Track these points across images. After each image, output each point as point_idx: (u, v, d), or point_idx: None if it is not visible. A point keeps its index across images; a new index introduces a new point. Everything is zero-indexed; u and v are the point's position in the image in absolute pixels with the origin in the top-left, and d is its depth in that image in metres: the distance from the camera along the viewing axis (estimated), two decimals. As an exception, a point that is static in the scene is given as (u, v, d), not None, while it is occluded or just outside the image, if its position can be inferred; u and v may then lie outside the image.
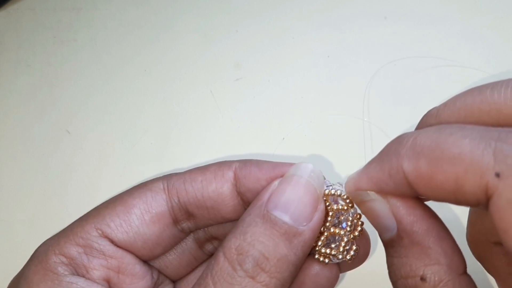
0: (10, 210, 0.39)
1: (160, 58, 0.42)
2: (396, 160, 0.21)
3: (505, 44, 0.40)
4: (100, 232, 0.26)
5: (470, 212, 0.26)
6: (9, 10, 0.45)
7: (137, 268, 0.27)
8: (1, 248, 0.37)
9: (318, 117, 0.39)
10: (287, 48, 0.42)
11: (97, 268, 0.26)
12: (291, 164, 0.26)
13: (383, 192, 0.23)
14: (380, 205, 0.23)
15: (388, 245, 0.23)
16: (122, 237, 0.26)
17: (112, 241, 0.26)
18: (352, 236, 0.26)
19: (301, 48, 0.42)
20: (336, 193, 0.25)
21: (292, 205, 0.24)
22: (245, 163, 0.27)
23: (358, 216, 0.26)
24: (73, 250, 0.26)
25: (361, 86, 0.40)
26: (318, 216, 0.25)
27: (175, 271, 0.30)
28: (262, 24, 0.43)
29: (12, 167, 0.40)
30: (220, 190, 0.27)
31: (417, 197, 0.23)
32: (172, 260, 0.29)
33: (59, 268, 0.25)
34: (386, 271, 0.23)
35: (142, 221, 0.26)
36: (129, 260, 0.27)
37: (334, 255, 0.26)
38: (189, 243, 0.30)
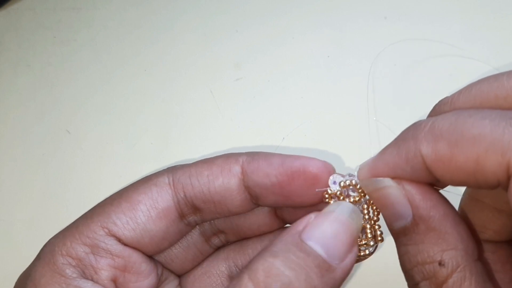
0: (10, 210, 0.39)
1: (160, 58, 0.42)
2: (414, 144, 0.21)
3: (505, 44, 0.40)
4: (106, 230, 0.25)
5: (462, 200, 0.26)
6: (9, 10, 0.45)
7: (143, 266, 0.27)
8: (1, 248, 0.37)
9: (318, 117, 0.39)
10: (287, 48, 0.42)
11: (105, 268, 0.25)
12: (300, 157, 0.26)
13: (399, 178, 0.22)
14: (395, 192, 0.22)
15: (401, 233, 0.22)
16: (129, 234, 0.26)
17: (119, 239, 0.26)
18: (373, 221, 0.25)
19: (301, 48, 0.42)
20: (351, 183, 0.25)
21: (328, 239, 0.23)
22: (253, 156, 0.26)
23: (371, 202, 0.25)
24: (80, 251, 0.25)
25: (361, 86, 0.40)
26: (351, 257, 0.24)
27: (180, 265, 0.29)
28: (262, 24, 0.43)
29: (12, 167, 0.40)
30: (227, 185, 0.26)
31: (431, 184, 0.22)
32: (177, 254, 0.29)
33: (67, 270, 0.25)
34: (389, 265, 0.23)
35: (149, 217, 0.26)
36: (135, 259, 0.26)
37: (366, 244, 0.26)
38: (195, 236, 0.29)
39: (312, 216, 0.25)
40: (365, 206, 0.25)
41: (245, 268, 0.23)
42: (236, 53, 0.42)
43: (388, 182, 0.23)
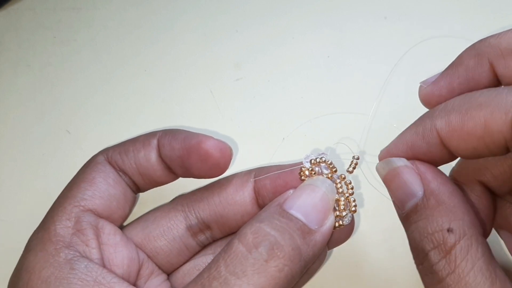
0: (10, 210, 0.39)
1: (160, 58, 0.42)
2: (430, 121, 0.24)
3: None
4: (81, 207, 0.27)
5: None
6: (9, 10, 0.45)
7: (118, 237, 0.28)
8: (1, 248, 0.37)
9: (318, 117, 0.39)
10: (287, 48, 0.42)
11: (92, 244, 0.27)
12: (199, 135, 0.28)
13: (416, 154, 0.25)
14: (408, 170, 0.25)
15: (412, 212, 0.24)
16: (99, 202, 0.28)
17: (94, 212, 0.28)
18: (348, 194, 0.29)
19: (301, 48, 0.42)
20: (321, 160, 0.29)
21: (306, 208, 0.27)
22: (166, 132, 0.29)
23: (343, 177, 0.29)
24: (67, 232, 0.26)
25: (361, 86, 0.40)
26: (329, 224, 0.27)
27: (165, 258, 0.30)
28: (262, 24, 0.43)
29: (12, 167, 0.40)
30: (148, 157, 0.29)
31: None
32: (162, 246, 0.30)
33: (61, 254, 0.25)
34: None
35: (108, 184, 0.28)
36: (109, 230, 0.28)
37: (340, 216, 0.28)
38: (180, 230, 0.30)
39: (290, 191, 0.28)
40: (338, 181, 0.29)
41: (235, 235, 0.25)
42: (236, 53, 0.42)
43: (402, 161, 0.25)
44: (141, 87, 0.42)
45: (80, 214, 0.27)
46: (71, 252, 0.25)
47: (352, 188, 0.29)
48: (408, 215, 0.24)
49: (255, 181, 0.30)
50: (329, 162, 0.29)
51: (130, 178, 0.30)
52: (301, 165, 0.29)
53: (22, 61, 0.43)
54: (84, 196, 0.28)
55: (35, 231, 0.27)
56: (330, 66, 0.41)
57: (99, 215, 0.28)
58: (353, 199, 0.29)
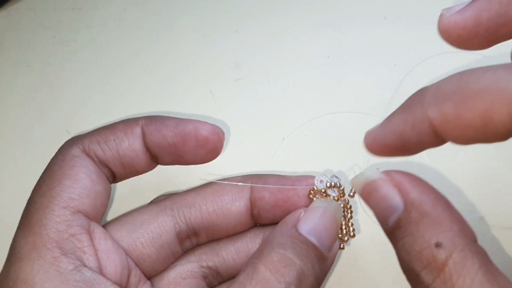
0: (10, 210, 0.39)
1: (160, 58, 0.42)
2: (421, 109, 0.21)
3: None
4: (72, 209, 0.25)
5: None
6: (9, 10, 0.45)
7: (109, 242, 0.27)
8: (1, 248, 0.37)
9: (318, 117, 0.39)
10: (287, 48, 0.42)
11: (91, 253, 0.25)
12: (192, 121, 0.28)
13: (405, 143, 0.22)
14: (384, 183, 0.23)
15: (395, 228, 0.22)
16: (87, 201, 0.26)
17: (84, 213, 0.26)
18: (348, 219, 0.29)
19: (301, 48, 0.42)
20: (336, 184, 0.29)
21: (320, 232, 0.26)
22: (150, 119, 0.28)
23: (347, 201, 0.29)
24: (62, 237, 0.24)
25: (361, 86, 0.40)
26: (336, 248, 0.27)
27: (151, 265, 0.29)
28: (262, 24, 0.43)
29: (12, 167, 0.40)
30: (133, 147, 0.28)
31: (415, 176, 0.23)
32: (150, 253, 0.29)
33: (61, 264, 0.24)
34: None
35: (92, 181, 0.27)
36: (100, 234, 0.27)
37: (341, 239, 0.29)
38: (169, 236, 0.29)
39: (301, 211, 0.27)
40: (342, 205, 0.29)
41: (256, 258, 0.24)
42: (236, 53, 0.42)
43: (376, 173, 0.23)
44: (141, 87, 0.42)
45: (71, 217, 0.25)
46: (71, 261, 0.24)
47: (351, 213, 0.29)
48: (392, 232, 0.22)
49: (252, 191, 0.29)
50: (342, 188, 0.29)
51: (109, 169, 0.28)
52: (313, 186, 0.29)
53: (22, 61, 0.43)
54: (72, 196, 0.26)
55: (19, 235, 0.26)
56: (330, 66, 0.41)
57: (88, 217, 0.26)
58: (351, 223, 0.29)
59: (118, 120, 0.41)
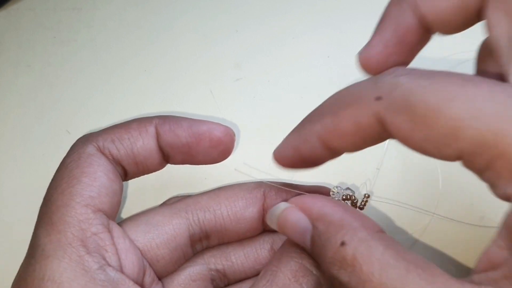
0: (10, 210, 0.39)
1: (160, 58, 0.42)
2: (309, 125, 0.24)
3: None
4: (92, 208, 0.25)
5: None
6: (9, 10, 0.45)
7: (127, 241, 0.27)
8: (1, 248, 0.37)
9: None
10: (287, 48, 0.42)
11: (113, 252, 0.26)
12: (206, 122, 0.29)
13: (302, 155, 0.24)
14: (291, 210, 0.25)
15: (313, 247, 0.24)
16: (106, 200, 0.26)
17: (105, 212, 0.26)
18: None
19: (301, 48, 0.42)
20: (350, 197, 0.29)
21: None
22: (164, 119, 0.29)
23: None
24: (86, 236, 0.24)
25: (361, 86, 0.40)
26: None
27: (164, 266, 0.29)
28: (262, 24, 0.43)
29: (12, 167, 0.40)
30: (147, 146, 0.28)
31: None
32: (164, 255, 0.29)
33: (88, 262, 0.24)
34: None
35: (110, 180, 0.27)
36: (118, 233, 0.27)
37: None
38: (183, 239, 0.30)
39: None
40: None
41: (275, 266, 0.25)
42: (236, 53, 0.42)
43: (283, 204, 0.25)
44: (141, 87, 0.42)
45: (92, 216, 0.25)
46: (96, 260, 0.24)
47: None
48: (313, 251, 0.24)
49: (265, 197, 0.30)
50: (355, 201, 0.29)
51: (123, 167, 0.28)
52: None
53: (22, 61, 0.43)
54: (92, 194, 0.26)
55: (41, 233, 0.25)
56: (330, 66, 0.41)
57: (107, 215, 0.26)
58: None
59: (118, 120, 0.41)
